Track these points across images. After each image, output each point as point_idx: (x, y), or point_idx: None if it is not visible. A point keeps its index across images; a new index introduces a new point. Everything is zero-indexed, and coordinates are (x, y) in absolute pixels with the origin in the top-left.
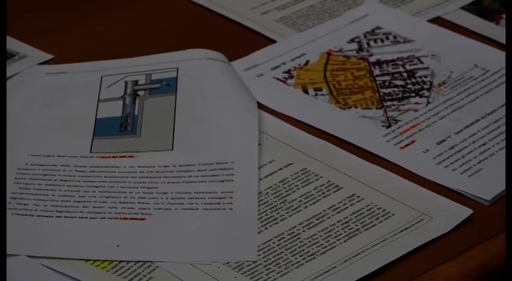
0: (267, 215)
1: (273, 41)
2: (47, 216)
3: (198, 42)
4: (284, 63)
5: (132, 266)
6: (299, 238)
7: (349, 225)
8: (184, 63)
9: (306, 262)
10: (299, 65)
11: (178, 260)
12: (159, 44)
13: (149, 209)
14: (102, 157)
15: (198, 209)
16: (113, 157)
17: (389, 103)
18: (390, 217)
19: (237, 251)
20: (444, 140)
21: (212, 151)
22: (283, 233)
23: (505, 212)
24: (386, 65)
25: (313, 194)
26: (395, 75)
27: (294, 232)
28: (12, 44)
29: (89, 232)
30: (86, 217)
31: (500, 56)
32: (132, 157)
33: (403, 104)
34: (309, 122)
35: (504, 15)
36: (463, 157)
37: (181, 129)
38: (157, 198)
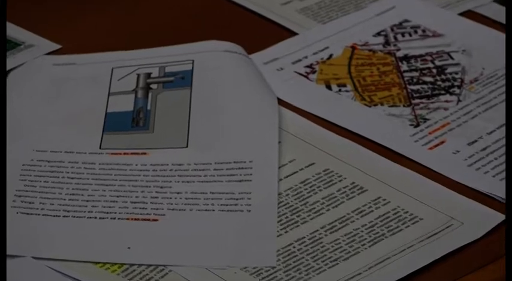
0: (287, 217)
1: (294, 34)
2: (54, 215)
3: (214, 34)
4: (306, 57)
5: (143, 270)
6: (321, 242)
7: (374, 229)
8: (200, 56)
9: (328, 268)
10: (322, 59)
11: (193, 264)
12: (173, 35)
13: (162, 209)
14: (112, 154)
15: (214, 210)
16: (124, 153)
17: (417, 101)
18: (418, 221)
19: (255, 256)
20: (476, 141)
21: (229, 149)
22: (304, 237)
23: (505, 213)
24: (414, 60)
25: (336, 196)
26: (424, 72)
27: (315, 236)
28: (17, 32)
29: (98, 233)
30: (95, 217)
31: None
32: (144, 154)
33: (432, 102)
34: (332, 120)
35: None
36: (495, 158)
37: (197, 126)
38: (170, 198)
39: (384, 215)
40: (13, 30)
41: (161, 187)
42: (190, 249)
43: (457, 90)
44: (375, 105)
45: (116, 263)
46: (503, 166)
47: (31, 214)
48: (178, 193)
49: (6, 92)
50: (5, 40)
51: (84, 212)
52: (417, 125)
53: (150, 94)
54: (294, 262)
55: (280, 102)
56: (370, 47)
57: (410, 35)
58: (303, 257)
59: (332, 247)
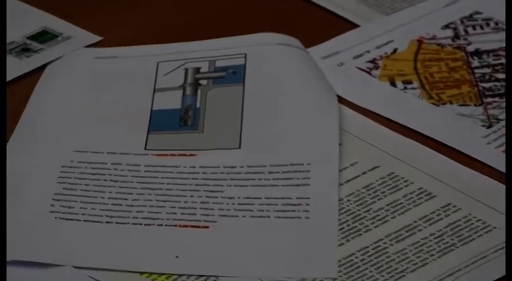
0: (348, 225)
1: (356, 26)
2: (96, 221)
3: (269, 26)
4: (368, 52)
5: None
6: (386, 252)
7: (444, 239)
8: (253, 49)
9: (394, 280)
10: (385, 53)
11: (246, 275)
12: (223, 27)
13: (213, 216)
14: (158, 155)
15: (269, 217)
16: (171, 154)
17: (490, 99)
18: (491, 230)
19: (314, 267)
20: None
21: (286, 150)
22: (367, 247)
23: (505, 213)
24: (486, 55)
25: (402, 203)
26: (496, 68)
27: (380, 246)
28: (54, 23)
29: (143, 241)
30: (141, 224)
31: None
32: (193, 155)
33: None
34: (397, 120)
35: None
36: None
37: (250, 125)
38: (222, 203)
39: (454, 223)
40: (50, 21)
41: (212, 191)
42: (244, 259)
43: None
44: (444, 104)
45: (163, 274)
46: None
47: (71, 219)
48: (230, 198)
49: (6, 92)
50: (5, 39)
51: (129, 218)
52: (490, 126)
53: (199, 91)
54: (356, 273)
55: (341, 100)
56: (438, 40)
57: (481, 27)
58: (367, 269)
59: (398, 257)
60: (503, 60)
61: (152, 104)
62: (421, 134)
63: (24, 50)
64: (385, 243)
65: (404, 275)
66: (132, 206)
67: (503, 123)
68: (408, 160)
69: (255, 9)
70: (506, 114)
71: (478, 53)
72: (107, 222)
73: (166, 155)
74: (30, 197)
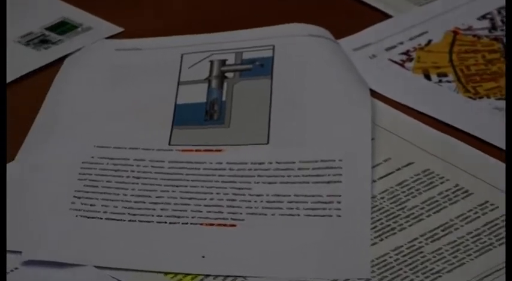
0: (382, 224)
1: (388, 16)
2: (118, 220)
3: (297, 16)
4: (401, 43)
5: None
6: (421, 252)
7: (481, 238)
8: (281, 40)
9: None
10: (419, 45)
11: (275, 276)
12: (250, 18)
13: (240, 214)
14: (183, 150)
15: (299, 215)
16: (196, 150)
17: None
18: None
19: (346, 267)
20: None
21: (316, 145)
22: (401, 246)
23: (505, 213)
24: None
25: (437, 201)
26: None
27: (414, 245)
28: (74, 13)
29: (168, 240)
30: (165, 222)
31: None
32: (219, 151)
33: None
34: (432, 114)
35: None
36: None
37: (279, 119)
38: (250, 201)
39: (491, 222)
40: (69, 11)
41: (239, 189)
42: (272, 258)
43: None
44: (480, 97)
45: (188, 274)
46: None
47: (93, 217)
48: (258, 196)
49: (6, 92)
50: (5, 39)
51: (153, 216)
52: None
53: (225, 84)
54: (390, 274)
55: (373, 93)
56: (475, 32)
57: None
58: (401, 269)
59: (434, 257)
60: None
61: (176, 97)
62: (456, 128)
63: (43, 42)
64: (420, 242)
65: (440, 276)
66: (156, 203)
67: None
68: (443, 156)
69: None
70: (506, 114)
71: None
72: (129, 220)
73: (192, 150)
74: (49, 194)
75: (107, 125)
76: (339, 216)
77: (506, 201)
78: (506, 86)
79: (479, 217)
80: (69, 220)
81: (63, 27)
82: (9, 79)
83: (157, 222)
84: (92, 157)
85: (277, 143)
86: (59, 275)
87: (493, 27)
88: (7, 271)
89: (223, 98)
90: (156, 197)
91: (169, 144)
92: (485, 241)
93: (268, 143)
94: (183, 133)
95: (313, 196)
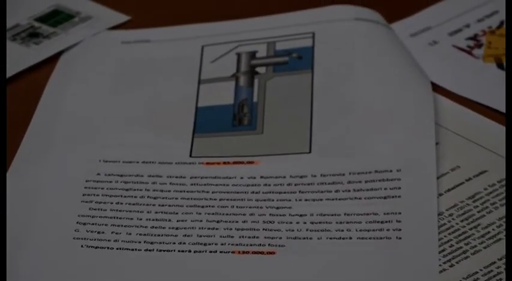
0: (451, 246)
1: None
2: (132, 249)
3: None
4: (468, 26)
5: None
6: (500, 279)
7: None
8: (323, 26)
9: None
10: (490, 27)
11: None
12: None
13: (280, 238)
14: (207, 163)
15: (351, 238)
16: (224, 163)
17: None
18: None
19: None
20: None
21: (368, 154)
22: (476, 273)
23: (506, 213)
24: None
25: None
26: None
27: (492, 271)
28: (69, 0)
29: (193, 272)
30: (189, 251)
31: None
32: (251, 162)
33: None
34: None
35: None
36: None
37: (322, 123)
38: (291, 222)
39: None
40: None
41: (277, 208)
42: None
43: None
44: None
45: None
46: None
47: (102, 247)
48: (301, 216)
49: (6, 92)
50: (5, 38)
51: (174, 243)
52: None
53: (256, 81)
54: None
55: (436, 88)
56: None
57: None
58: None
59: None
60: None
61: (197, 99)
62: None
63: (32, 36)
64: (498, 267)
65: None
66: (177, 228)
67: None
68: None
69: None
70: (506, 114)
71: None
72: (146, 249)
73: (218, 163)
74: (47, 221)
75: (113, 135)
76: (400, 238)
77: None
78: (506, 85)
79: None
80: (73, 251)
81: (56, 17)
82: None
83: (180, 251)
84: (98, 174)
85: (322, 152)
86: None
87: None
88: None
89: (255, 99)
90: (177, 220)
91: (191, 156)
92: None
93: (310, 152)
94: (206, 142)
95: (367, 214)
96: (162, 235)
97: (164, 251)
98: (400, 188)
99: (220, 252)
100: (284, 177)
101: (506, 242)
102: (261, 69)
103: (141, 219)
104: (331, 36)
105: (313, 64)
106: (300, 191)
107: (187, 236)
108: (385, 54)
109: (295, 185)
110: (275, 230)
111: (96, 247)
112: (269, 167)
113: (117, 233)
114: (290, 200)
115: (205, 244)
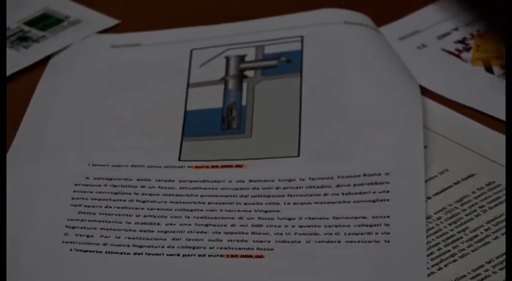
0: (439, 249)
1: None
2: (121, 253)
3: (330, 0)
4: (456, 29)
5: None
6: None
7: None
8: (312, 30)
9: None
10: (478, 31)
11: None
12: (273, 2)
13: (268, 242)
14: (196, 167)
15: (339, 241)
16: (212, 166)
17: None
18: None
19: None
20: None
21: (357, 157)
22: (465, 276)
23: (505, 212)
24: None
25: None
26: None
27: (480, 274)
28: (58, 4)
29: (182, 276)
30: (178, 254)
31: None
32: (240, 166)
33: None
34: (496, 115)
35: None
36: None
37: (311, 127)
38: (279, 226)
39: None
40: (52, 1)
41: (266, 212)
42: None
43: None
44: None
45: None
46: None
47: (91, 251)
48: (289, 220)
49: (6, 91)
50: (4, 37)
51: (163, 247)
52: None
53: (244, 84)
54: None
55: (424, 92)
56: None
57: None
58: None
59: None
60: None
61: (186, 103)
62: None
63: (21, 39)
64: (486, 271)
65: None
66: (166, 232)
67: None
68: None
69: None
70: (506, 114)
71: None
72: (135, 253)
73: (207, 167)
74: (36, 225)
75: (103, 139)
76: (388, 241)
77: None
78: (506, 86)
79: None
80: (62, 255)
81: (46, 21)
82: None
83: (169, 255)
84: (87, 178)
85: (310, 156)
86: None
87: None
88: None
89: (243, 102)
90: (166, 224)
91: (180, 160)
92: None
93: (299, 155)
94: (195, 146)
95: (356, 218)
96: (151, 239)
97: (153, 254)
98: (388, 191)
99: (209, 256)
100: (273, 181)
101: (506, 242)
102: (249, 73)
103: (130, 223)
104: (321, 40)
105: (301, 68)
106: (288, 195)
107: (176, 239)
108: (375, 57)
109: (283, 188)
110: (263, 234)
111: (85, 251)
112: (258, 171)
113: (106, 236)
114: (279, 203)
115: (193, 248)
